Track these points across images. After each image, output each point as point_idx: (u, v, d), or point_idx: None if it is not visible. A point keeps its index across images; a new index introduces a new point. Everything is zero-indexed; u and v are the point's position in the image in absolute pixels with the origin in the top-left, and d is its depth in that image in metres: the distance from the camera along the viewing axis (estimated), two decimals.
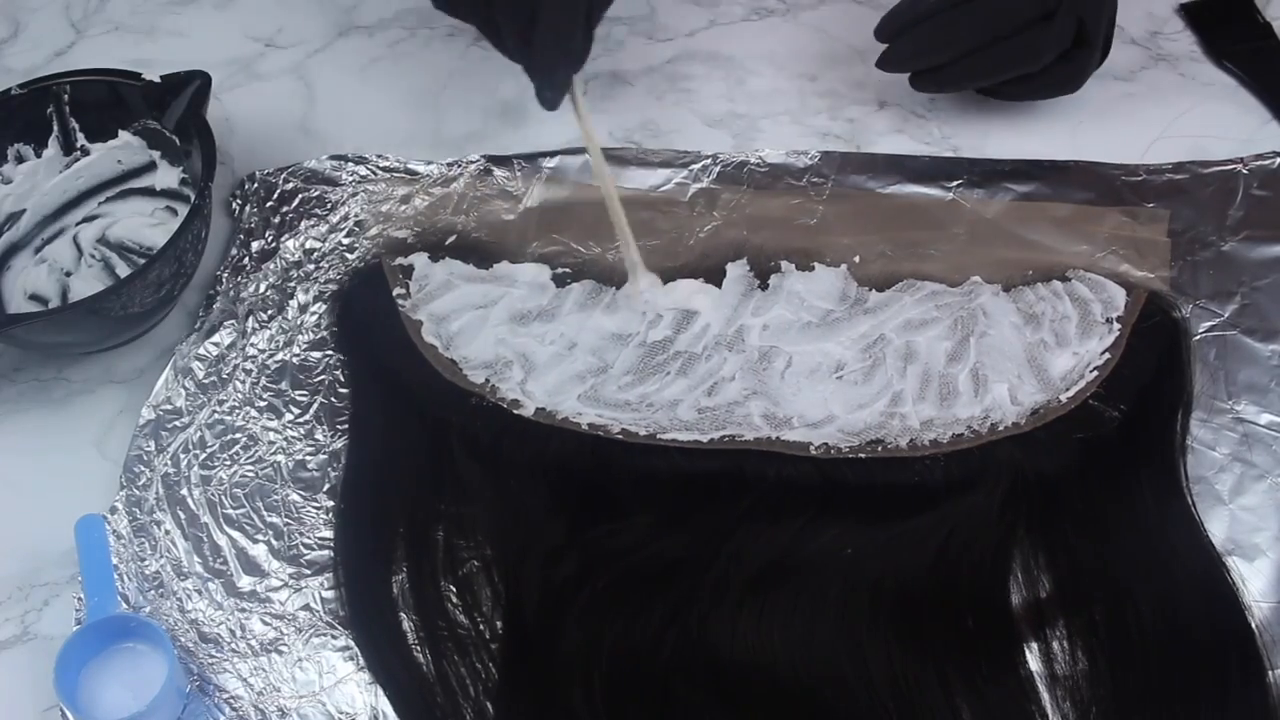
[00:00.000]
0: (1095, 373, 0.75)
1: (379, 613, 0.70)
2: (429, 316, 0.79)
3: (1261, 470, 0.73)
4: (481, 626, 0.70)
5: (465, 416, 0.76)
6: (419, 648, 0.69)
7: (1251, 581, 0.69)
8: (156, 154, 0.85)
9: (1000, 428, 0.73)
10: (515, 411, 0.75)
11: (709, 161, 0.86)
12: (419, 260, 0.82)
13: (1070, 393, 0.74)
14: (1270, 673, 0.66)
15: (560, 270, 0.82)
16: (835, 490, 0.72)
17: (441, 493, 0.74)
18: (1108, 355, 0.75)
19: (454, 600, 0.70)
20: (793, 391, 0.76)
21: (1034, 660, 0.67)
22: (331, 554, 0.73)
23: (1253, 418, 0.75)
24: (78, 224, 0.86)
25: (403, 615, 0.70)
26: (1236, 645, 0.66)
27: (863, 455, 0.73)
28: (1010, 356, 0.76)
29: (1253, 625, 0.67)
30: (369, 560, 0.72)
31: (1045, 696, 0.66)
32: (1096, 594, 0.68)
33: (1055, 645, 0.67)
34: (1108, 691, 0.66)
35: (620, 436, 0.74)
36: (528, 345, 0.78)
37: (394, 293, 0.80)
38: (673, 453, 0.73)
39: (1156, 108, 0.88)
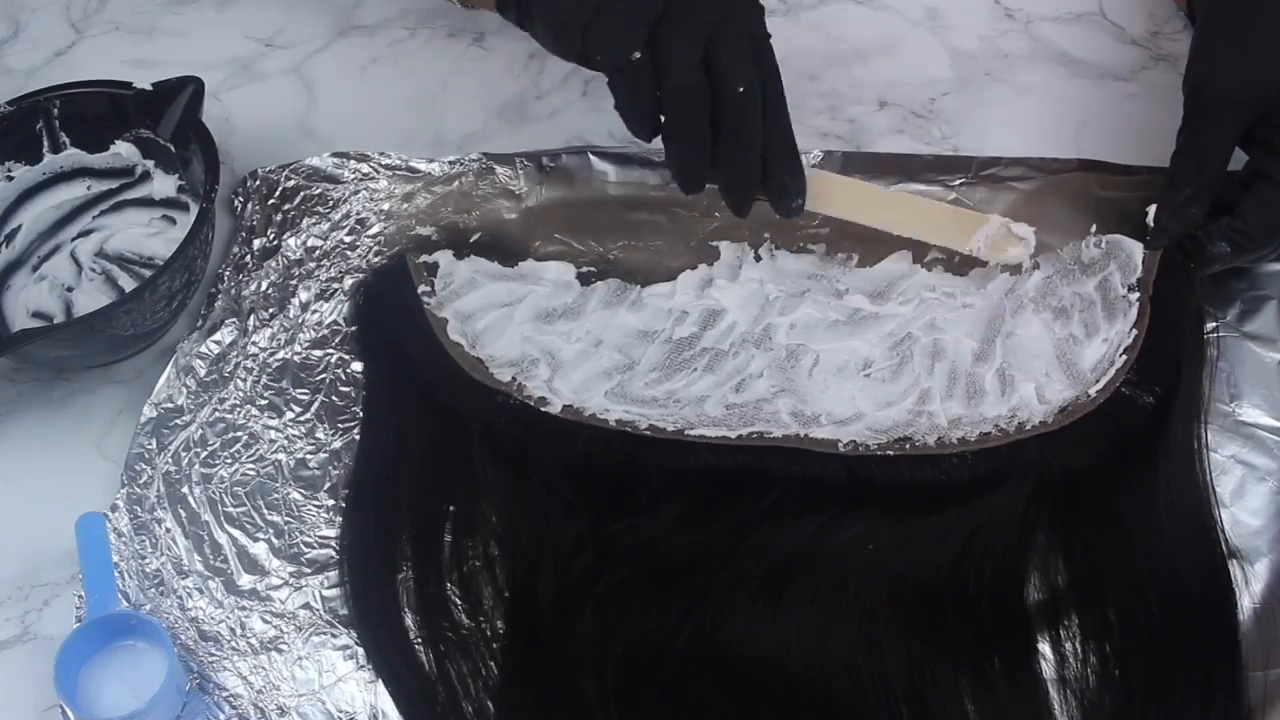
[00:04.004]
0: (1124, 356, 0.75)
1: (382, 610, 0.70)
2: (454, 314, 0.79)
3: (1263, 473, 0.73)
4: (484, 626, 0.70)
5: (490, 415, 0.75)
6: (421, 646, 0.69)
7: (1252, 584, 0.69)
8: (150, 163, 0.85)
9: (1028, 426, 0.73)
10: (542, 409, 0.75)
11: None
12: (443, 258, 0.82)
13: (1100, 384, 0.74)
14: (1264, 673, 0.66)
15: (585, 269, 0.82)
16: (861, 487, 0.72)
17: (453, 491, 0.74)
18: (1135, 332, 0.75)
19: (457, 600, 0.70)
20: (820, 389, 0.76)
21: (1048, 660, 0.67)
22: (333, 553, 0.73)
23: (1254, 420, 0.75)
24: (74, 239, 0.86)
25: (406, 613, 0.70)
26: (1225, 649, 0.67)
27: (890, 453, 0.73)
28: (1038, 355, 0.76)
29: (1239, 631, 0.67)
30: (374, 558, 0.72)
31: (1056, 697, 0.66)
32: (1110, 595, 0.69)
33: (1068, 645, 0.67)
34: (1117, 692, 0.66)
35: (648, 433, 0.74)
36: (554, 343, 0.78)
37: (419, 290, 0.80)
38: (700, 449, 0.73)
39: (1157, 108, 0.88)
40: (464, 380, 0.77)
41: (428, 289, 0.80)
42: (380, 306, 0.81)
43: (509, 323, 0.79)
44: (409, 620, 0.70)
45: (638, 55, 0.70)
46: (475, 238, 0.84)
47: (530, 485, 0.73)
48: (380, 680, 0.69)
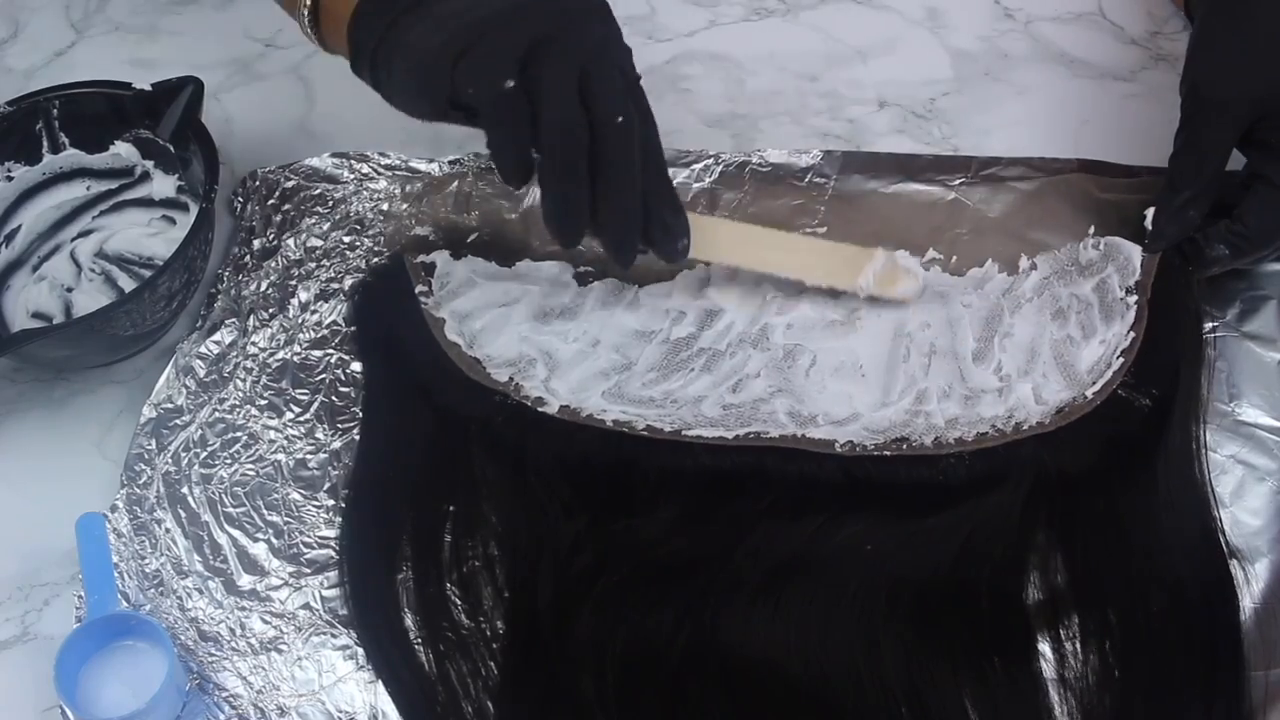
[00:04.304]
0: (1121, 359, 0.75)
1: (382, 610, 0.70)
2: (452, 314, 0.79)
3: (1263, 473, 0.73)
4: (484, 626, 0.70)
5: (488, 415, 0.75)
6: (421, 646, 0.69)
7: (1252, 584, 0.69)
8: (150, 163, 0.85)
9: (1025, 427, 0.73)
10: (539, 409, 0.75)
11: (711, 161, 0.86)
12: (441, 258, 0.82)
13: (1096, 386, 0.74)
14: (1265, 673, 0.66)
15: (582, 268, 0.82)
16: (858, 487, 0.72)
17: (452, 491, 0.74)
18: (1132, 334, 0.75)
19: (457, 600, 0.70)
20: (817, 389, 0.76)
21: (1048, 661, 0.67)
22: (332, 553, 0.73)
23: (1254, 420, 0.75)
24: (74, 239, 0.86)
25: (405, 613, 0.70)
26: (1227, 650, 0.67)
27: (887, 453, 0.73)
28: (1036, 355, 0.76)
29: (1241, 631, 0.67)
30: (373, 558, 0.72)
31: (1056, 697, 0.66)
32: (1110, 595, 0.69)
33: (1069, 646, 0.67)
34: (1118, 693, 0.66)
35: (645, 433, 0.74)
36: (551, 343, 0.78)
37: (416, 290, 0.80)
38: (697, 449, 0.73)
39: (1157, 108, 0.88)
40: (461, 380, 0.77)
41: (425, 289, 0.80)
42: (378, 307, 0.81)
43: (506, 322, 0.79)
44: (409, 620, 0.70)
45: (511, 84, 0.67)
46: (473, 237, 0.84)
47: (528, 485, 0.73)
48: (380, 681, 0.69)
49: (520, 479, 0.73)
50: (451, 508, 0.73)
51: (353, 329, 0.81)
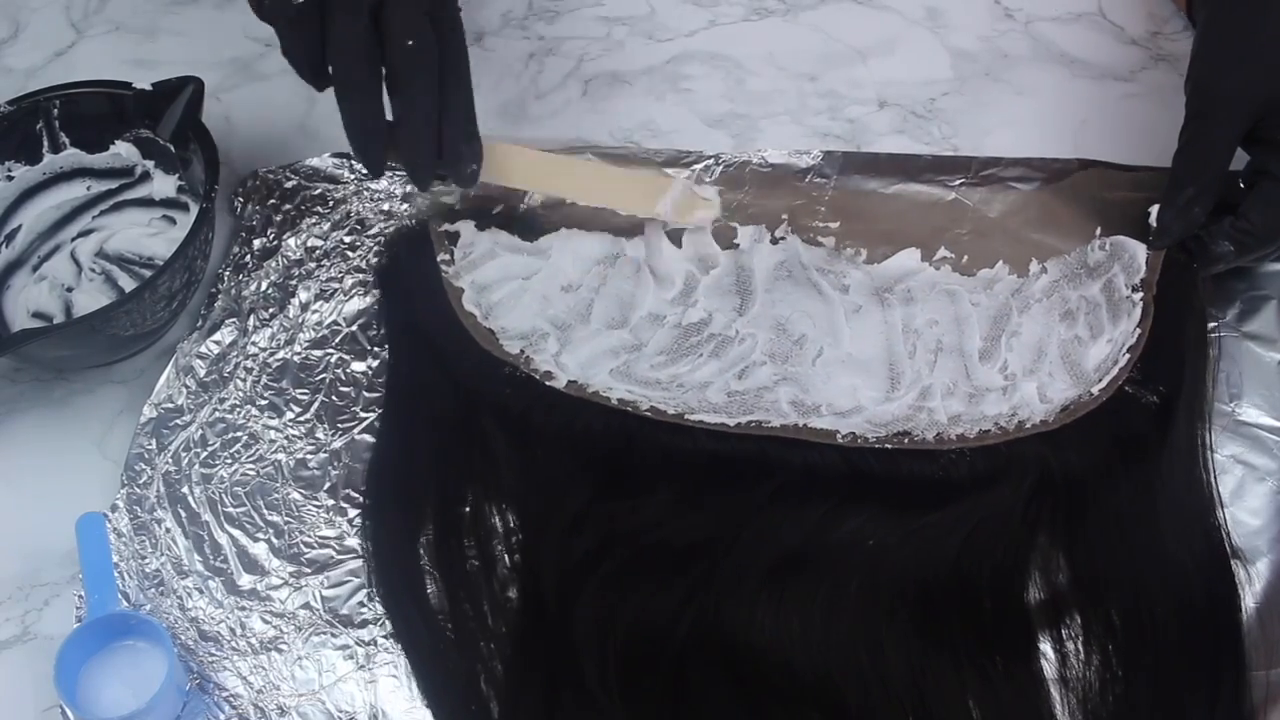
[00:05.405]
0: (1128, 355, 0.75)
1: (410, 591, 0.70)
2: (471, 285, 0.80)
3: (1263, 473, 0.73)
4: (502, 602, 0.70)
5: (497, 386, 0.76)
6: (443, 617, 0.70)
7: (1253, 583, 0.69)
8: (150, 163, 0.85)
9: (1028, 425, 0.73)
10: (547, 383, 0.75)
11: (711, 161, 0.86)
12: (465, 228, 0.82)
13: (1103, 383, 0.74)
14: (1266, 673, 0.66)
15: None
16: (860, 480, 0.72)
17: (472, 463, 0.74)
18: (1139, 332, 0.75)
19: (478, 570, 0.71)
20: (823, 379, 0.76)
21: (1049, 660, 0.67)
22: (333, 552, 0.73)
23: (1254, 420, 0.75)
24: (74, 239, 0.85)
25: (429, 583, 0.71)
26: (1229, 649, 0.67)
27: (889, 446, 0.73)
28: (1043, 355, 0.76)
29: (1243, 631, 0.67)
30: (398, 532, 0.72)
31: (1057, 696, 0.66)
32: (1113, 595, 0.68)
33: (1070, 645, 0.68)
34: (1120, 693, 0.66)
35: (649, 414, 0.74)
36: (564, 319, 0.79)
37: (438, 259, 0.80)
38: (699, 434, 0.73)
39: (1157, 108, 0.88)
40: (474, 351, 0.77)
41: (447, 258, 0.81)
42: (403, 273, 0.81)
43: (523, 296, 0.80)
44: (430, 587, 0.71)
45: (300, 1, 0.70)
46: (498, 209, 0.84)
47: (534, 458, 0.73)
48: (406, 657, 0.69)
49: (527, 452, 0.74)
50: (471, 492, 0.73)
51: (377, 296, 0.81)
